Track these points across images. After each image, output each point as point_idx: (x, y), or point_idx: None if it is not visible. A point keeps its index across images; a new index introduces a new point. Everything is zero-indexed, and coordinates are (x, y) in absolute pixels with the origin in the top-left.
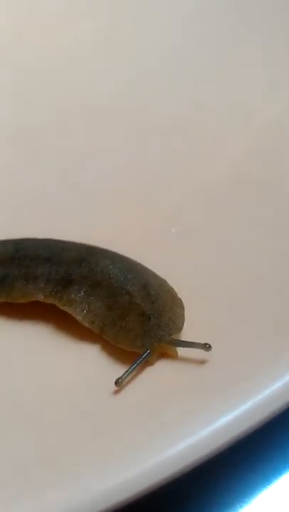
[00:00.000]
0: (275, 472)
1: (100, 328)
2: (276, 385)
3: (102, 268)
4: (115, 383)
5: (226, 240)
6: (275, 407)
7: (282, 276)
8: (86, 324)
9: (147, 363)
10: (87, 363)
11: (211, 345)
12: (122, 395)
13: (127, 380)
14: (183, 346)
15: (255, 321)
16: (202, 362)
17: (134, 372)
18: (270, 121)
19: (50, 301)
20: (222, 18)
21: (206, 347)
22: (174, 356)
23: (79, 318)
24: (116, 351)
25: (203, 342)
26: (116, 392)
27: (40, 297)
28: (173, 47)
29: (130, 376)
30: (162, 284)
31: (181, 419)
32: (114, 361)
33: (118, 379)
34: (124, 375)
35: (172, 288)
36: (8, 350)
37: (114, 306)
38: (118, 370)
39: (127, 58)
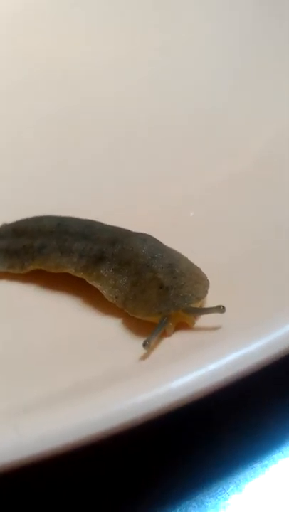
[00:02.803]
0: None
1: (122, 303)
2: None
3: (133, 247)
4: (143, 345)
5: (242, 222)
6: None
7: None
8: (110, 299)
9: (164, 333)
10: (109, 333)
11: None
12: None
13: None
14: (199, 313)
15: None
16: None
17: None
18: None
19: (80, 275)
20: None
21: (221, 309)
22: (191, 325)
23: (104, 292)
24: (136, 325)
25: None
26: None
27: (72, 270)
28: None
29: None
30: (190, 266)
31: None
32: (134, 334)
33: (144, 342)
34: (146, 341)
35: (201, 271)
36: (36, 314)
37: (138, 282)
38: (136, 343)
39: (142, 53)
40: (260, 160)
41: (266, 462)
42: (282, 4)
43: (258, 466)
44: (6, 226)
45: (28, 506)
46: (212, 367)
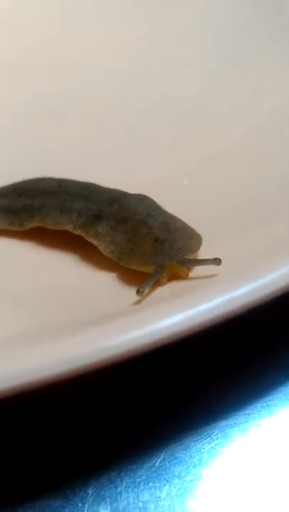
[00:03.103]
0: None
1: (117, 257)
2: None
3: (130, 206)
4: (136, 292)
5: (231, 188)
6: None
7: None
8: (106, 253)
9: (158, 283)
10: (104, 284)
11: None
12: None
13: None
14: (193, 265)
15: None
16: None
17: (147, 290)
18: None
19: (78, 232)
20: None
21: (217, 261)
22: (184, 277)
23: (101, 248)
24: (130, 278)
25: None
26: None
27: (70, 227)
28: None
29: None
30: (184, 224)
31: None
32: (127, 285)
33: (138, 289)
34: (139, 288)
35: (194, 229)
36: (34, 270)
37: (134, 237)
38: (130, 292)
39: (133, 37)
40: (248, 137)
41: (249, 411)
42: None
43: (240, 414)
44: (8, 186)
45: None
46: (201, 307)
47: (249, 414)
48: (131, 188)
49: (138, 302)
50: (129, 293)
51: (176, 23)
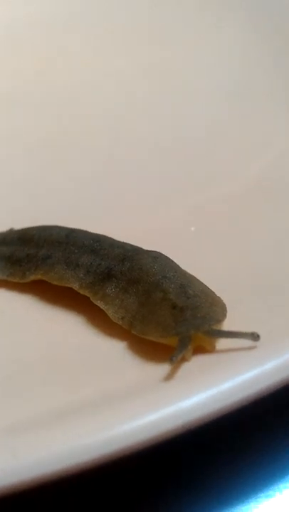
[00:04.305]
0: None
1: (129, 324)
2: None
3: (142, 266)
4: (170, 360)
5: (242, 237)
6: None
7: None
8: (115, 319)
9: (183, 358)
10: (113, 354)
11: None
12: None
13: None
14: (227, 337)
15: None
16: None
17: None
18: None
19: (85, 292)
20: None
21: (255, 336)
22: (211, 350)
23: (110, 312)
24: (141, 348)
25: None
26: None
27: (76, 286)
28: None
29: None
30: (204, 287)
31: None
32: (139, 357)
33: (171, 358)
34: (172, 357)
35: (214, 293)
36: (33, 330)
37: (147, 302)
38: (142, 365)
39: (142, 70)
40: (260, 181)
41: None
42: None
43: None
44: (12, 232)
45: None
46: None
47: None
48: (135, 235)
49: (164, 378)
50: (142, 365)
51: (185, 63)
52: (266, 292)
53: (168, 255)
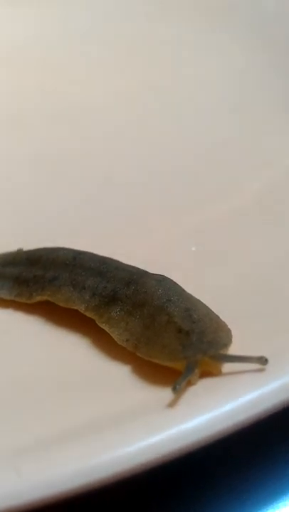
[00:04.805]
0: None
1: (134, 346)
2: None
3: (147, 289)
4: (173, 389)
5: (243, 257)
6: None
7: None
8: (120, 342)
9: (189, 382)
10: (118, 376)
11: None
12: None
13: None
14: (235, 362)
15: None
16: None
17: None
18: None
19: (90, 315)
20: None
21: (262, 361)
22: (217, 374)
23: (114, 335)
24: (147, 370)
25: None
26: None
27: (82, 308)
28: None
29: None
30: (209, 312)
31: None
32: (144, 379)
33: (174, 386)
34: (175, 385)
35: (218, 317)
36: (38, 351)
37: (152, 325)
38: (146, 388)
39: (142, 89)
40: (260, 198)
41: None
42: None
43: None
44: (21, 253)
45: None
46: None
47: None
48: (134, 256)
49: (168, 400)
50: (146, 387)
51: (185, 81)
52: (268, 312)
53: (169, 276)
